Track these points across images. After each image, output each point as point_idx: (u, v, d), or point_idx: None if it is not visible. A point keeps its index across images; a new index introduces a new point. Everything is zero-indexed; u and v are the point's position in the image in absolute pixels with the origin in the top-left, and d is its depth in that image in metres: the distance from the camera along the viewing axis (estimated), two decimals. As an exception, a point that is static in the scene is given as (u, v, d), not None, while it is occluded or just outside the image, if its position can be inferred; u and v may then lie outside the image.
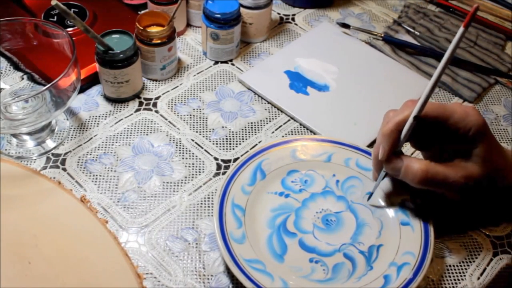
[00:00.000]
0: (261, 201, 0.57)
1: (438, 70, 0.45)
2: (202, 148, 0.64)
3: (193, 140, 0.64)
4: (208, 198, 0.59)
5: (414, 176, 0.49)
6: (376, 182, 0.55)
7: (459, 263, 0.55)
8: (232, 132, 0.66)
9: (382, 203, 0.57)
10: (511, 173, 0.51)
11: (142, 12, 0.69)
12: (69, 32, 0.63)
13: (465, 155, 0.49)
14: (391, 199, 0.56)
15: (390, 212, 0.56)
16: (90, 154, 0.62)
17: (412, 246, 0.53)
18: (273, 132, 0.66)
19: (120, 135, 0.64)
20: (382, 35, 0.79)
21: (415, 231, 0.54)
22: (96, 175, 0.60)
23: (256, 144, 0.65)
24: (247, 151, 0.63)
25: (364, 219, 0.56)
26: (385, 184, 0.57)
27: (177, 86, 0.71)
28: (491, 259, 0.56)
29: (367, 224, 0.56)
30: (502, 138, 0.69)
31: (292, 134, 0.66)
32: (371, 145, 0.65)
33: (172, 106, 0.68)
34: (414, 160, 0.49)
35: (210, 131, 0.65)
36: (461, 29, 0.42)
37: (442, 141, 0.51)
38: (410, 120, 0.48)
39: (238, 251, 0.51)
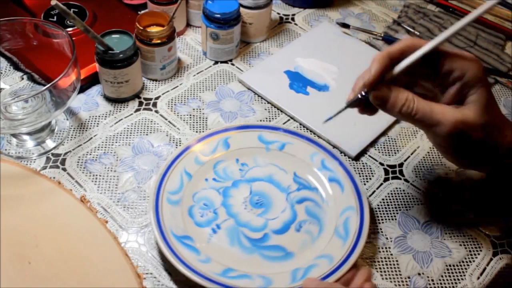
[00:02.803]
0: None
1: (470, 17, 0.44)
2: (202, 148, 0.64)
3: (193, 140, 0.64)
4: (208, 198, 0.59)
5: (401, 104, 0.46)
6: (341, 108, 0.53)
7: (459, 263, 0.55)
8: (232, 132, 0.66)
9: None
10: (508, 128, 0.48)
11: (142, 12, 0.69)
12: (69, 32, 0.63)
13: (459, 102, 0.47)
14: None
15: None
16: (90, 154, 0.62)
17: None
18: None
19: (120, 135, 0.64)
20: (382, 35, 0.79)
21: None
22: (96, 175, 0.60)
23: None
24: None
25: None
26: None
27: (177, 86, 0.71)
28: (491, 259, 0.56)
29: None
30: (502, 138, 0.69)
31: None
32: (371, 144, 0.65)
33: (172, 106, 0.68)
34: (404, 90, 0.47)
35: (210, 131, 0.65)
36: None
37: (434, 90, 0.49)
38: (419, 54, 0.46)
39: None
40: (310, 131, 0.67)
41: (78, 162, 0.61)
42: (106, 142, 0.63)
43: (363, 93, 0.49)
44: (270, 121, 0.67)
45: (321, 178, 0.59)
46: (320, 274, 0.50)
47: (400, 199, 0.60)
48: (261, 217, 0.56)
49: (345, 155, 0.64)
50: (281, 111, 0.69)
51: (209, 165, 0.59)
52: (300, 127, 0.67)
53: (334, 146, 0.65)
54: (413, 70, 0.47)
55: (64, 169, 0.60)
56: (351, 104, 0.51)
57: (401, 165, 0.64)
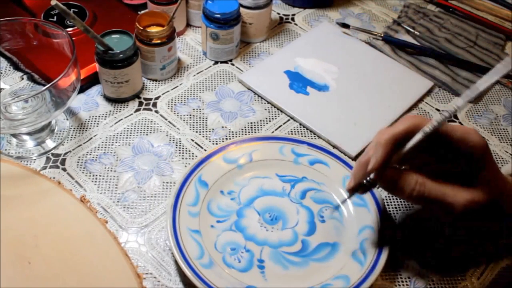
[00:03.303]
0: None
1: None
2: (202, 148, 0.64)
3: (193, 140, 0.64)
4: (208, 198, 0.59)
5: (411, 189, 0.45)
6: (348, 194, 0.51)
7: (459, 263, 0.55)
8: (232, 132, 0.66)
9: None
10: None
11: (142, 12, 0.69)
12: (69, 32, 0.63)
13: (466, 179, 0.46)
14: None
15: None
16: (90, 154, 0.62)
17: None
18: (273, 132, 0.66)
19: (120, 135, 0.64)
20: (382, 35, 0.79)
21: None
22: (96, 175, 0.60)
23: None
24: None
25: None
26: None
27: (177, 86, 0.71)
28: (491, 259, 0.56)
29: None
30: (502, 138, 0.69)
31: (292, 134, 0.66)
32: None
33: (172, 106, 0.68)
34: (411, 172, 0.45)
35: (210, 131, 0.65)
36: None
37: (440, 162, 0.48)
38: (420, 134, 0.44)
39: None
40: (310, 131, 0.67)
41: (78, 162, 0.61)
42: (106, 142, 0.63)
43: (368, 179, 0.48)
44: (270, 121, 0.67)
45: (302, 165, 0.60)
46: (372, 241, 0.52)
47: (400, 199, 0.60)
48: (285, 229, 0.55)
49: (345, 155, 0.64)
50: (281, 111, 0.69)
51: (204, 212, 0.56)
52: (300, 127, 0.67)
53: (334, 146, 0.65)
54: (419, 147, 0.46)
55: (64, 169, 0.60)
56: (354, 191, 0.49)
57: (401, 165, 0.64)
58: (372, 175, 0.47)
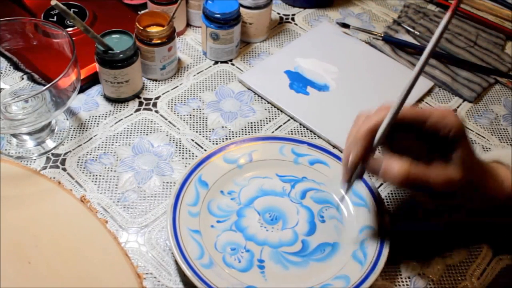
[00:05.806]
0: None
1: (417, 67, 0.42)
2: (202, 148, 0.64)
3: (193, 140, 0.64)
4: (208, 198, 0.59)
5: (394, 177, 0.46)
6: (348, 184, 0.51)
7: (459, 263, 0.55)
8: (232, 132, 0.66)
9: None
10: (490, 180, 0.49)
11: (142, 12, 0.69)
12: (69, 32, 0.63)
13: (444, 158, 0.47)
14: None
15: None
16: (90, 154, 0.62)
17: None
18: (273, 132, 0.66)
19: (120, 135, 0.64)
20: (382, 35, 0.79)
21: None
22: (96, 175, 0.60)
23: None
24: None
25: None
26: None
27: (177, 86, 0.71)
28: (491, 259, 0.56)
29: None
30: (502, 138, 0.69)
31: (292, 134, 0.66)
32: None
33: (172, 106, 0.68)
34: (394, 160, 0.46)
35: (210, 131, 0.65)
36: (448, 14, 0.37)
37: (420, 145, 0.48)
38: (385, 123, 0.45)
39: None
40: (310, 131, 0.67)
41: (78, 162, 0.61)
42: (106, 142, 0.63)
43: (359, 168, 0.48)
44: (270, 121, 0.67)
45: (302, 165, 0.60)
46: (372, 241, 0.52)
47: (400, 198, 0.60)
48: (285, 229, 0.55)
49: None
50: (281, 111, 0.69)
51: (204, 212, 0.55)
52: (300, 127, 0.67)
53: (334, 146, 0.65)
54: (403, 136, 0.48)
55: (64, 169, 0.60)
56: (350, 181, 0.50)
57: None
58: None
